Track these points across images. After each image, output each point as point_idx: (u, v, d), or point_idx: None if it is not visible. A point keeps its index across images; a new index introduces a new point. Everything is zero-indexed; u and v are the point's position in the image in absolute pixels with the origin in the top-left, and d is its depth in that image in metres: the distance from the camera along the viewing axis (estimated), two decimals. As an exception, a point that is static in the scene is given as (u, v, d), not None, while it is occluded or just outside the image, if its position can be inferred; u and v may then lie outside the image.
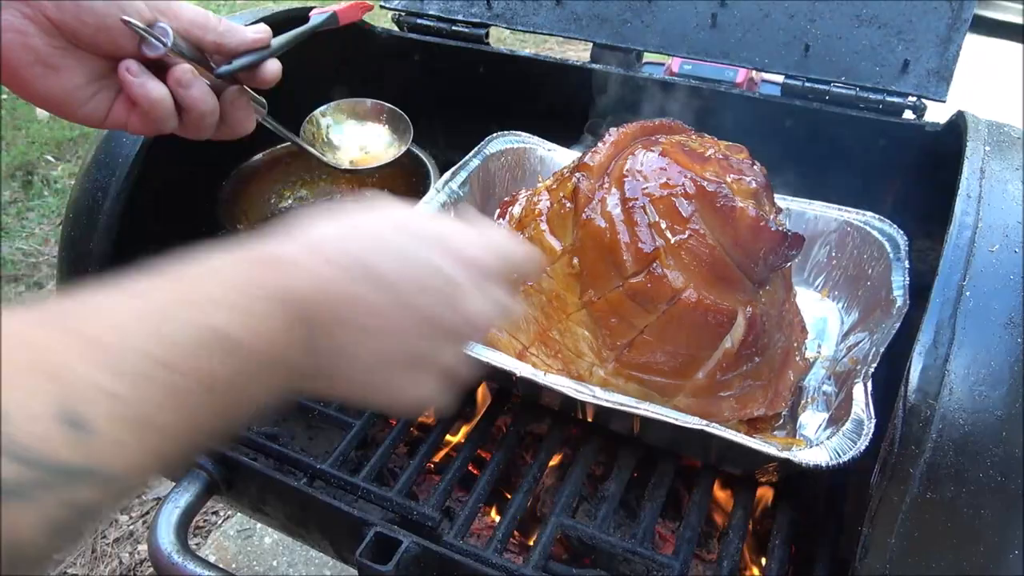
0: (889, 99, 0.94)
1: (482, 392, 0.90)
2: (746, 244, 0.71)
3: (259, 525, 1.56)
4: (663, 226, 0.71)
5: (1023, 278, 0.57)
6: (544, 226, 0.78)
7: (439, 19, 1.14)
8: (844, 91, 0.96)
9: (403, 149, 0.98)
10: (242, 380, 0.38)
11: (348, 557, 0.81)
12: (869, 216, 0.88)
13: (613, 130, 0.79)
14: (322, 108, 1.00)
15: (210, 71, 0.64)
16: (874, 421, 0.65)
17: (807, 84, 0.97)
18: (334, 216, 0.47)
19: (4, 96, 2.81)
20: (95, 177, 0.85)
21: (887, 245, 0.84)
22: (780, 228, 0.72)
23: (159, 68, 0.61)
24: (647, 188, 0.72)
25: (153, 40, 0.59)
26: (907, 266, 0.81)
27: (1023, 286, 0.57)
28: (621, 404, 0.69)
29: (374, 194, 1.18)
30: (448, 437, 0.87)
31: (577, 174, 0.76)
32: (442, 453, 0.88)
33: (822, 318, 0.90)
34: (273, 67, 0.67)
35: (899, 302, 0.77)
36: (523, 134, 1.05)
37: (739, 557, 0.71)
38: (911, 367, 0.55)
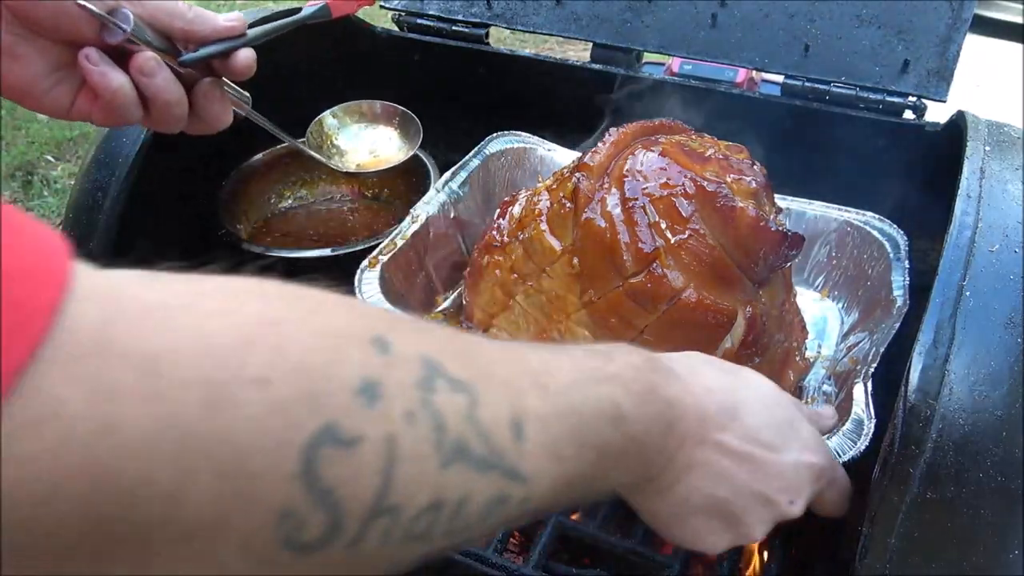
0: (889, 99, 0.94)
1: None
2: (746, 244, 0.71)
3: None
4: (663, 226, 0.71)
5: (1023, 278, 0.57)
6: (544, 226, 0.78)
7: (439, 19, 1.14)
8: (844, 91, 0.96)
9: (410, 153, 0.97)
10: (614, 459, 0.42)
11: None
12: (869, 216, 0.88)
13: (613, 130, 0.79)
14: (330, 110, 0.99)
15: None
16: (874, 421, 0.65)
17: (807, 84, 0.97)
18: (721, 365, 0.53)
19: (4, 96, 2.82)
20: (95, 177, 0.85)
21: (887, 245, 0.84)
22: (780, 228, 0.72)
23: (126, 57, 0.59)
24: (647, 188, 0.72)
25: (112, 26, 0.57)
26: (907, 266, 0.81)
27: (1023, 286, 0.56)
28: None
29: (374, 196, 1.18)
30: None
31: (577, 174, 0.76)
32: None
33: (822, 318, 0.90)
34: (245, 57, 0.64)
35: (899, 302, 0.77)
36: (523, 134, 1.05)
37: (739, 557, 0.71)
38: (911, 367, 0.55)
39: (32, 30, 0.56)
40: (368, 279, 0.83)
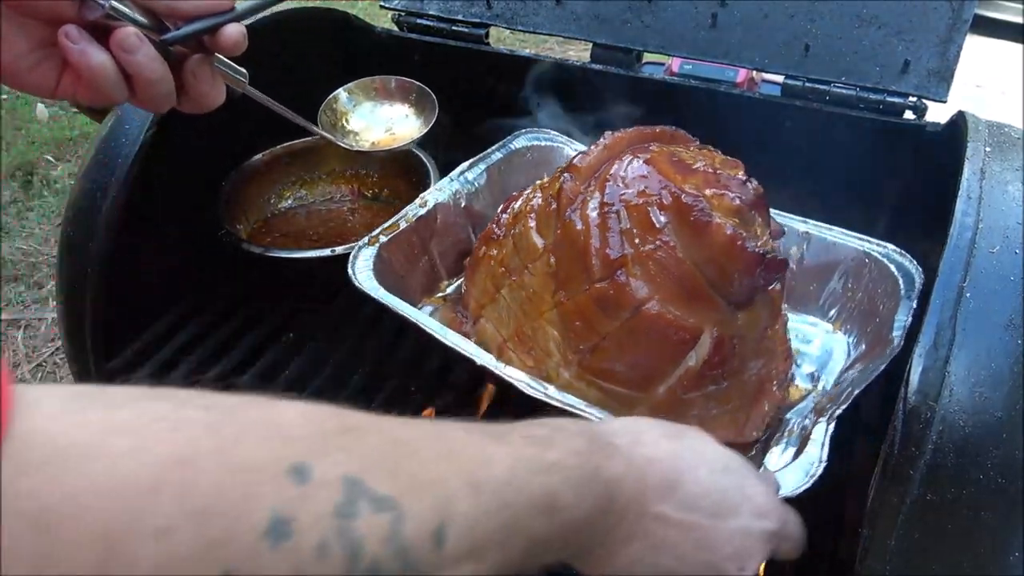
0: (889, 99, 0.94)
1: (488, 393, 0.90)
2: (720, 262, 0.68)
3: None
4: (634, 234, 0.69)
5: (1023, 279, 0.57)
6: (532, 223, 0.78)
7: (439, 19, 1.14)
8: (844, 91, 0.96)
9: (425, 130, 0.96)
10: (545, 545, 0.41)
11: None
12: (889, 249, 0.84)
13: (608, 134, 0.79)
14: (344, 87, 0.96)
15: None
16: (824, 464, 0.62)
17: (807, 84, 0.97)
18: (666, 430, 0.52)
19: (4, 96, 2.81)
20: (94, 177, 0.85)
21: (901, 281, 0.80)
22: (759, 250, 0.68)
23: (110, 34, 0.58)
24: (625, 194, 0.71)
25: (91, 1, 0.55)
26: (914, 306, 0.76)
27: (1023, 287, 0.56)
28: (570, 406, 0.69)
29: (374, 196, 1.17)
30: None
31: (565, 174, 0.76)
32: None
33: (828, 351, 0.86)
34: (232, 33, 0.61)
35: (895, 342, 0.73)
36: (551, 132, 1.04)
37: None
38: (911, 368, 0.54)
39: (11, 8, 0.55)
40: (364, 256, 0.83)
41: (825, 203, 1.07)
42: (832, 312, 0.89)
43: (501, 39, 2.61)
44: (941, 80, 0.92)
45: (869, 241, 0.86)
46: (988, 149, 0.71)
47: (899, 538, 0.52)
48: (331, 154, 1.13)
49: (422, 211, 0.91)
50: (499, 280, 0.80)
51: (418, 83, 0.99)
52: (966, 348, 0.54)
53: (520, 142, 1.02)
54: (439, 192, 0.93)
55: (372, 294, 0.79)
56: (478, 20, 1.12)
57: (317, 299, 1.01)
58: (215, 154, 1.06)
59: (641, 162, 0.73)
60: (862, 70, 0.95)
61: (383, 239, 0.86)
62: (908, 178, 0.98)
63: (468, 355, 0.73)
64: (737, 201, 0.69)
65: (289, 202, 1.15)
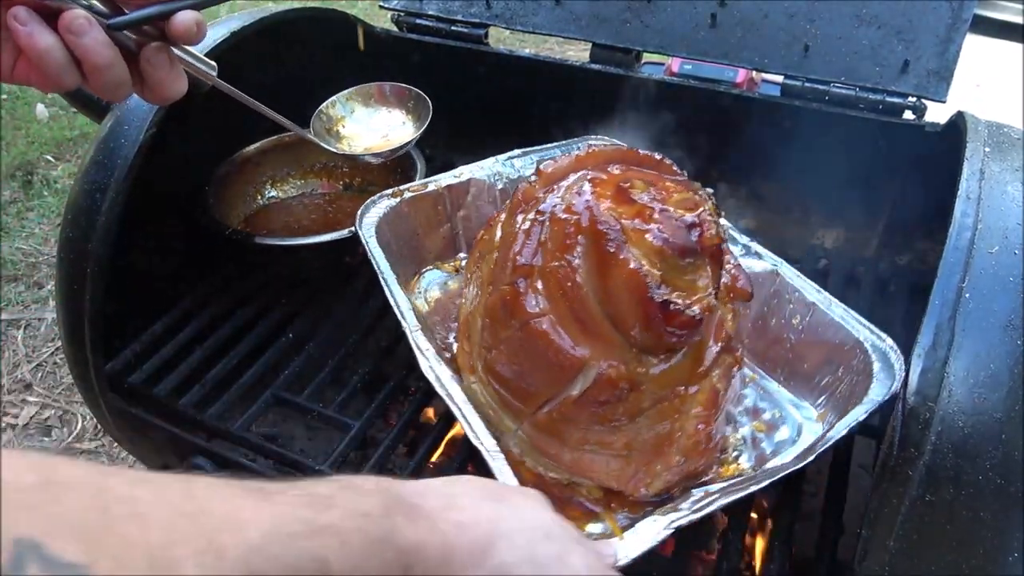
0: (889, 99, 0.94)
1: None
2: (618, 298, 0.64)
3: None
4: (549, 248, 0.68)
5: (1023, 280, 0.57)
6: (503, 216, 0.79)
7: (438, 19, 1.14)
8: (844, 91, 0.96)
9: (418, 133, 0.96)
10: None
11: (347, 558, 0.81)
12: (887, 345, 0.74)
13: (587, 145, 0.79)
14: (340, 94, 0.96)
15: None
16: (643, 548, 0.60)
17: (807, 84, 0.97)
18: (488, 492, 0.50)
19: (4, 96, 2.81)
20: (94, 178, 0.85)
21: (878, 388, 0.71)
22: (662, 299, 0.63)
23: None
24: (555, 207, 0.70)
25: None
26: (866, 409, 0.69)
27: (1023, 288, 0.56)
28: (452, 406, 0.69)
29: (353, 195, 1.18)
30: (448, 436, 0.87)
31: (531, 176, 0.77)
32: (441, 452, 0.88)
33: (794, 439, 0.77)
34: (185, 19, 0.59)
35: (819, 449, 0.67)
36: (620, 144, 0.98)
37: (739, 557, 0.71)
38: (910, 369, 0.55)
39: None
40: (382, 205, 0.87)
41: (825, 203, 1.07)
42: (821, 399, 0.80)
43: (501, 39, 2.60)
44: (940, 80, 0.92)
45: (868, 328, 0.76)
46: (987, 149, 0.71)
47: (898, 539, 0.52)
48: (318, 149, 1.14)
49: (454, 181, 0.92)
50: (477, 263, 0.82)
51: (415, 89, 0.99)
52: (965, 349, 0.54)
53: (582, 145, 0.98)
54: (480, 169, 0.94)
55: (367, 244, 0.82)
56: (477, 20, 1.12)
57: (328, 285, 1.01)
58: (214, 154, 1.06)
59: (587, 181, 0.71)
60: (862, 70, 0.95)
61: (407, 195, 0.88)
62: (907, 178, 0.98)
63: (410, 337, 0.74)
64: (659, 242, 0.64)
65: (280, 193, 1.16)
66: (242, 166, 1.09)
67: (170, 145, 0.89)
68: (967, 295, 0.56)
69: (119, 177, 0.84)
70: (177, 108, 0.88)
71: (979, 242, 0.60)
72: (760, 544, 0.82)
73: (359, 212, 0.85)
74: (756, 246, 0.86)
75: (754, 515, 0.81)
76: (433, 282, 0.92)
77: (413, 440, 0.92)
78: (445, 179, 0.92)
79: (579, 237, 0.67)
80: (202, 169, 1.02)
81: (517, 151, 0.97)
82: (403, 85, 0.98)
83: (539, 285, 0.67)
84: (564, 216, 0.68)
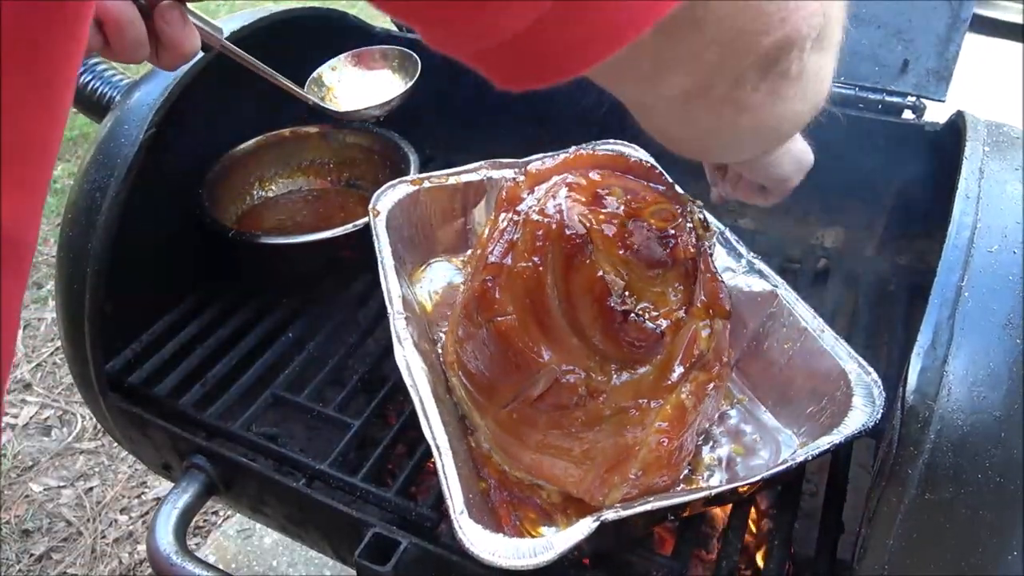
0: (888, 99, 0.94)
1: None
2: (577, 302, 0.65)
3: (259, 525, 1.56)
4: (520, 248, 0.69)
5: (1022, 279, 0.57)
6: (493, 214, 0.79)
7: (438, 19, 1.14)
8: (843, 91, 0.96)
9: (410, 84, 0.97)
10: None
11: (347, 558, 0.81)
12: (870, 380, 0.71)
13: (573, 149, 0.79)
14: (328, 63, 0.98)
15: None
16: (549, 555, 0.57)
17: (806, 84, 0.97)
18: None
19: (4, 96, 2.82)
20: (93, 178, 0.85)
21: (848, 420, 0.68)
22: (624, 309, 0.62)
23: None
24: (530, 209, 0.71)
25: None
26: (831, 440, 0.67)
27: (1022, 287, 0.56)
28: (414, 396, 0.68)
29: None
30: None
31: (518, 176, 0.77)
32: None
33: (766, 466, 0.74)
34: None
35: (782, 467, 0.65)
36: (636, 148, 0.96)
37: (738, 557, 0.71)
38: (909, 368, 0.55)
39: None
40: (400, 190, 0.87)
41: (824, 203, 1.07)
42: (803, 428, 0.76)
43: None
44: (940, 79, 0.92)
45: (857, 360, 0.73)
46: (987, 148, 0.71)
47: (897, 538, 0.52)
48: (310, 145, 1.15)
49: (474, 177, 0.92)
50: (471, 260, 0.82)
51: (399, 48, 1.00)
52: (964, 347, 0.54)
53: (603, 147, 0.96)
54: (498, 169, 0.94)
55: (374, 226, 0.82)
56: (477, 20, 1.12)
57: (328, 284, 1.01)
58: (214, 155, 1.06)
59: (564, 184, 0.71)
60: (861, 69, 0.95)
61: (427, 184, 0.88)
62: (907, 177, 0.98)
63: (392, 333, 0.74)
64: (624, 251, 0.65)
65: (269, 192, 1.15)
66: (231, 167, 1.09)
67: (170, 145, 0.89)
68: (966, 294, 0.56)
69: (119, 177, 0.84)
70: (177, 108, 0.89)
71: (978, 241, 0.60)
72: (760, 544, 0.82)
73: (376, 192, 0.86)
74: (760, 264, 0.82)
75: (754, 515, 0.81)
76: (439, 274, 0.92)
77: (412, 440, 0.92)
78: (466, 176, 0.92)
79: (544, 239, 0.67)
80: (203, 170, 1.02)
81: (547, 154, 0.96)
82: (387, 47, 1.00)
83: (507, 285, 0.68)
84: (536, 218, 0.69)
